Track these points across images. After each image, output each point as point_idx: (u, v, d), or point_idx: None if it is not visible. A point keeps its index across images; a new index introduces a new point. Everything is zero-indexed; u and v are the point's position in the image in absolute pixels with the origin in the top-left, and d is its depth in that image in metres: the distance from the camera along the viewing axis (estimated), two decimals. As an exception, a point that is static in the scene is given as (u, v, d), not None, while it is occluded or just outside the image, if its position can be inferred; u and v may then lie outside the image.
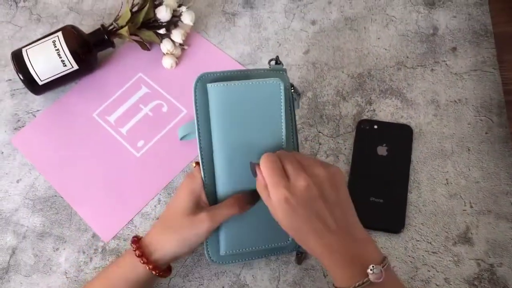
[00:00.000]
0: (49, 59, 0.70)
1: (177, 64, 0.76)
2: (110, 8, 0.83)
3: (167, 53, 0.75)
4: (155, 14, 0.74)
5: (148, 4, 0.73)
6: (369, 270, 0.44)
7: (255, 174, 0.51)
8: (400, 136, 0.67)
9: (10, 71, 0.79)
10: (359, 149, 0.67)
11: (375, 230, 0.62)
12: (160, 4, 0.74)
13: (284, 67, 0.57)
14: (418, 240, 0.61)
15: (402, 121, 0.69)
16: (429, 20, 0.76)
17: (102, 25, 0.74)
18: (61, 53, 0.70)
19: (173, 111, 0.73)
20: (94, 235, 0.66)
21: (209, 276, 0.61)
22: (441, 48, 0.73)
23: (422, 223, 0.62)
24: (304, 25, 0.78)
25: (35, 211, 0.68)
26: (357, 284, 0.44)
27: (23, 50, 0.71)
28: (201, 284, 0.61)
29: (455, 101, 0.69)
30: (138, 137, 0.72)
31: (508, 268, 0.59)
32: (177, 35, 0.74)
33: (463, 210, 0.62)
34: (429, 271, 0.59)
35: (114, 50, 0.78)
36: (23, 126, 0.74)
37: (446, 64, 0.72)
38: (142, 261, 0.53)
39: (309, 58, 0.75)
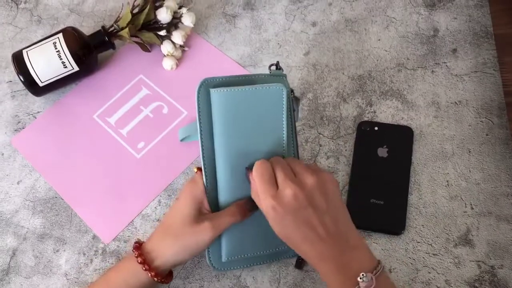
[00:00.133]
0: (49, 61, 0.70)
1: (177, 65, 0.77)
2: (110, 10, 0.83)
3: (167, 55, 0.76)
4: (155, 16, 0.74)
5: (148, 6, 0.73)
6: (359, 279, 0.44)
7: (249, 180, 0.52)
8: (400, 138, 0.67)
9: (11, 72, 0.79)
10: (360, 150, 0.66)
11: (375, 231, 0.62)
12: (161, 5, 0.74)
13: (284, 72, 0.58)
14: (419, 242, 0.61)
15: (403, 122, 0.69)
16: (429, 22, 0.76)
17: (103, 27, 0.74)
18: (62, 54, 0.70)
19: (174, 113, 0.73)
20: (94, 237, 0.66)
21: (209, 278, 0.61)
22: (442, 49, 0.73)
23: (422, 225, 0.62)
24: (304, 27, 0.78)
25: (36, 213, 0.68)
26: None
27: (24, 52, 0.71)
28: (202, 286, 0.61)
29: (455, 102, 0.69)
30: (138, 139, 0.72)
31: (509, 270, 0.59)
32: (177, 37, 0.74)
33: (464, 212, 0.62)
34: (429, 273, 0.59)
35: (115, 51, 0.78)
36: (23, 128, 0.74)
37: (446, 65, 0.72)
38: (144, 268, 0.52)
39: (309, 60, 0.75)
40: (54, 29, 0.82)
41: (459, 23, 0.75)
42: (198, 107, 0.55)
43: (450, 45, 0.73)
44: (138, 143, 0.71)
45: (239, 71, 0.75)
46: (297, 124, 0.69)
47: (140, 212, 0.67)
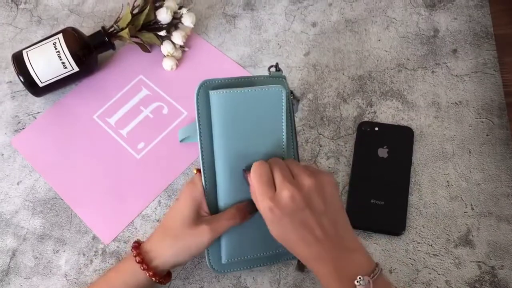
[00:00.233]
0: (49, 61, 0.70)
1: (177, 66, 0.76)
2: (110, 10, 0.83)
3: (167, 55, 0.75)
4: (155, 16, 0.74)
5: (148, 6, 0.73)
6: (356, 282, 0.44)
7: (248, 182, 0.51)
8: (401, 138, 0.67)
9: (11, 73, 0.79)
10: (360, 151, 0.66)
11: (375, 232, 0.62)
12: (161, 6, 0.74)
13: (284, 73, 0.57)
14: (419, 243, 0.61)
15: (403, 123, 0.68)
16: (429, 22, 0.76)
17: (103, 27, 0.74)
18: (62, 55, 0.70)
19: (174, 113, 0.73)
20: (94, 237, 0.66)
21: (209, 279, 0.61)
22: (442, 50, 0.73)
23: (423, 225, 0.62)
24: (304, 27, 0.78)
25: (35, 213, 0.68)
26: None
27: (24, 52, 0.71)
28: (202, 287, 0.61)
29: (456, 103, 0.69)
30: (138, 139, 0.72)
31: (510, 271, 0.58)
32: (177, 37, 0.74)
33: (464, 212, 0.62)
34: (430, 273, 0.59)
35: (115, 52, 0.78)
36: (23, 128, 0.74)
37: (447, 66, 0.72)
38: (142, 268, 0.52)
39: (309, 60, 0.75)
40: (54, 30, 0.82)
41: (459, 24, 0.75)
42: (197, 109, 0.54)
43: (451, 46, 0.73)
44: (138, 144, 0.71)
45: (239, 71, 0.75)
46: (297, 124, 0.69)
47: (140, 213, 0.67)
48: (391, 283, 0.48)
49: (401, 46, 0.74)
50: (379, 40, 0.75)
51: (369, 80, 0.72)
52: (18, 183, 0.70)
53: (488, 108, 0.68)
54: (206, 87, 0.54)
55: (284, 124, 0.54)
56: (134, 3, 0.75)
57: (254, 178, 0.49)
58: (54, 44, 0.71)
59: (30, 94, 0.75)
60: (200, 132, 0.55)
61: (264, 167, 0.49)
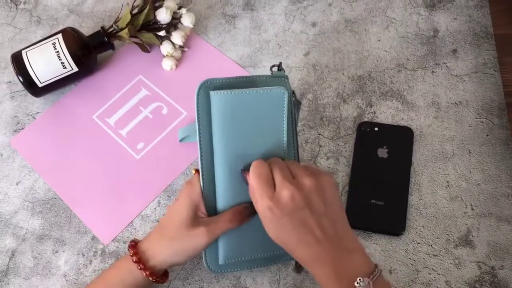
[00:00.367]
0: (49, 61, 0.70)
1: (177, 66, 0.76)
2: (110, 10, 0.83)
3: (167, 55, 0.75)
4: (155, 16, 0.74)
5: (148, 6, 0.73)
6: (355, 283, 0.44)
7: (246, 182, 0.51)
8: (400, 138, 0.67)
9: (10, 73, 0.79)
10: (360, 151, 0.66)
11: (375, 232, 0.62)
12: (160, 6, 0.74)
13: (286, 74, 0.57)
14: (419, 243, 0.61)
15: (403, 123, 0.68)
16: (429, 22, 0.76)
17: (102, 27, 0.74)
18: (61, 55, 0.70)
19: (173, 113, 0.73)
20: (93, 238, 0.65)
21: (209, 279, 0.61)
22: (442, 50, 0.73)
23: (423, 226, 0.62)
24: (304, 27, 0.78)
25: (35, 214, 0.68)
26: None
27: (23, 52, 0.71)
28: (201, 287, 0.61)
29: (455, 103, 0.69)
30: (138, 139, 0.72)
31: (510, 271, 0.58)
32: (177, 37, 0.74)
33: (464, 213, 0.62)
34: (430, 274, 0.59)
35: (114, 52, 0.77)
36: (22, 128, 0.74)
37: (446, 66, 0.72)
38: (139, 267, 0.52)
39: (309, 60, 0.75)
40: (53, 30, 0.82)
41: (459, 24, 0.75)
42: (197, 109, 0.54)
43: (450, 46, 0.73)
44: (137, 144, 0.71)
45: (239, 71, 0.75)
46: (297, 125, 0.69)
47: (140, 213, 0.67)
48: (390, 284, 0.48)
49: (401, 46, 0.74)
50: (379, 40, 0.75)
51: (368, 80, 0.72)
52: (17, 183, 0.70)
53: (488, 108, 0.68)
54: (207, 87, 0.54)
55: (285, 125, 0.54)
56: (133, 3, 0.74)
57: (253, 177, 0.49)
58: (54, 44, 0.71)
59: (29, 94, 0.75)
60: (199, 133, 0.54)
61: (263, 166, 0.49)
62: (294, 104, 0.56)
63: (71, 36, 0.72)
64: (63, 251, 0.65)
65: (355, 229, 0.51)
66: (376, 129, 0.67)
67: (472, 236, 0.61)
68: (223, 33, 0.79)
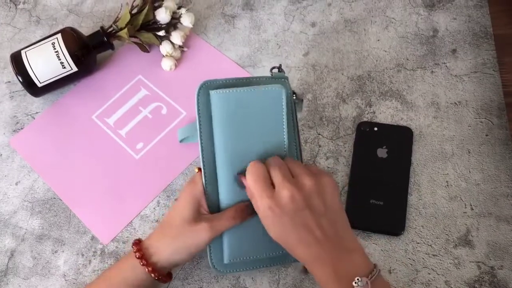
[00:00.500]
0: (48, 61, 0.70)
1: (176, 66, 0.76)
2: (109, 10, 0.83)
3: (166, 55, 0.75)
4: (154, 16, 0.74)
5: (147, 6, 0.73)
6: (354, 283, 0.44)
7: (242, 186, 0.51)
8: (400, 138, 0.67)
9: (9, 73, 0.79)
10: (359, 151, 0.66)
11: (375, 232, 0.62)
12: (160, 6, 0.74)
13: (286, 75, 0.57)
14: (419, 243, 0.61)
15: (402, 123, 0.68)
16: (429, 22, 0.76)
17: (102, 27, 0.74)
18: (60, 55, 0.70)
19: (173, 113, 0.73)
20: (93, 238, 0.65)
21: (208, 279, 0.61)
22: (441, 50, 0.73)
23: (422, 226, 0.62)
24: (303, 27, 0.78)
25: (34, 214, 0.68)
26: None
27: (22, 52, 0.71)
28: (201, 287, 0.61)
29: (455, 103, 0.69)
30: (137, 139, 0.72)
31: (509, 271, 0.58)
32: (176, 37, 0.74)
33: (464, 213, 0.62)
34: (429, 273, 0.59)
35: (114, 52, 0.77)
36: (22, 128, 0.74)
37: (446, 66, 0.72)
38: (141, 263, 0.53)
39: (308, 60, 0.75)
40: (52, 30, 0.82)
41: (459, 24, 0.75)
42: (198, 110, 0.54)
43: (450, 46, 0.73)
44: (137, 144, 0.71)
45: (238, 71, 0.75)
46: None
47: (139, 213, 0.66)
48: (389, 284, 0.48)
49: (400, 46, 0.74)
50: (378, 40, 0.75)
51: (368, 80, 0.72)
52: (16, 183, 0.70)
53: (487, 108, 0.68)
54: (207, 88, 0.54)
55: (285, 123, 0.54)
56: (133, 3, 0.74)
57: (250, 178, 0.49)
58: (53, 44, 0.71)
59: (28, 94, 0.75)
60: (200, 132, 0.54)
61: (260, 167, 0.49)
62: (297, 102, 0.56)
63: (71, 36, 0.72)
64: (63, 251, 0.65)
65: (354, 229, 0.51)
66: (375, 129, 0.67)
67: (472, 236, 0.61)
68: (223, 33, 0.79)
